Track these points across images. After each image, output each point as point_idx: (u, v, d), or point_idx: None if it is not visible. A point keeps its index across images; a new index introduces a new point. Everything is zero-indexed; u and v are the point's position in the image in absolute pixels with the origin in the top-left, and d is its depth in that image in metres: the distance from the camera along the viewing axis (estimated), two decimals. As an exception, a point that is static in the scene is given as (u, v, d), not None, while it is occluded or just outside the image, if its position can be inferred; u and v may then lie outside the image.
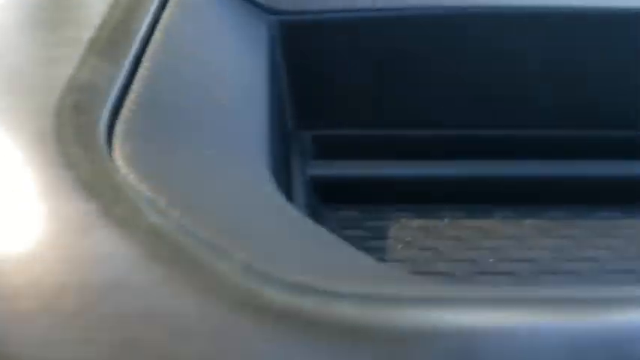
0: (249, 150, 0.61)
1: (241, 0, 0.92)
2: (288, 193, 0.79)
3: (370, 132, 0.94)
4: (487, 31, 0.93)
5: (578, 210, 0.84)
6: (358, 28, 0.93)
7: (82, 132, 0.47)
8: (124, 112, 0.52)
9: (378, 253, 0.75)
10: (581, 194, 0.87)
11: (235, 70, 0.81)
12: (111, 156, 0.45)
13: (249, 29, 0.89)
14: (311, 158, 0.94)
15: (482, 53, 0.94)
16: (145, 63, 0.67)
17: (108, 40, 0.70)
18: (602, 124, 0.93)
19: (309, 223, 0.51)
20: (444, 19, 0.94)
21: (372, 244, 0.77)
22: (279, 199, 0.53)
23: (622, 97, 0.92)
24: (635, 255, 0.76)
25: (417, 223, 0.81)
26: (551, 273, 0.72)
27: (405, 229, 0.80)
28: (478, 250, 0.76)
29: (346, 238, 0.78)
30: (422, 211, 0.83)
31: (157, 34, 0.72)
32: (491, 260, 0.74)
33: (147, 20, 0.74)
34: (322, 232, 0.51)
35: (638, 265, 0.75)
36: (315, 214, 0.81)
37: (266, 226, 0.47)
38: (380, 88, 0.94)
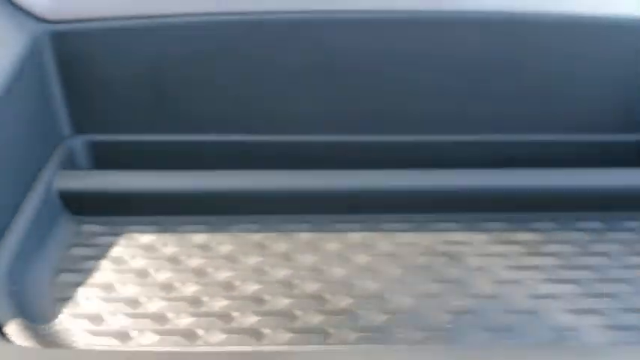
0: None
1: (9, 8, 0.92)
2: (19, 205, 0.80)
3: (146, 137, 0.95)
4: (277, 35, 0.93)
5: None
6: (134, 35, 0.93)
7: None
8: None
9: (85, 275, 0.77)
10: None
11: None
12: None
13: (11, 38, 0.89)
14: (87, 164, 0.95)
15: (262, 58, 0.93)
16: None
17: None
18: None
19: None
20: (221, 26, 0.94)
21: (85, 266, 0.78)
22: None
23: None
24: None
25: (147, 239, 0.82)
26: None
27: (131, 247, 0.81)
28: (188, 271, 0.77)
29: (68, 258, 0.80)
30: (169, 223, 0.85)
31: None
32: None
33: None
34: None
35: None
36: (51, 228, 0.83)
37: None
38: (158, 94, 0.95)
